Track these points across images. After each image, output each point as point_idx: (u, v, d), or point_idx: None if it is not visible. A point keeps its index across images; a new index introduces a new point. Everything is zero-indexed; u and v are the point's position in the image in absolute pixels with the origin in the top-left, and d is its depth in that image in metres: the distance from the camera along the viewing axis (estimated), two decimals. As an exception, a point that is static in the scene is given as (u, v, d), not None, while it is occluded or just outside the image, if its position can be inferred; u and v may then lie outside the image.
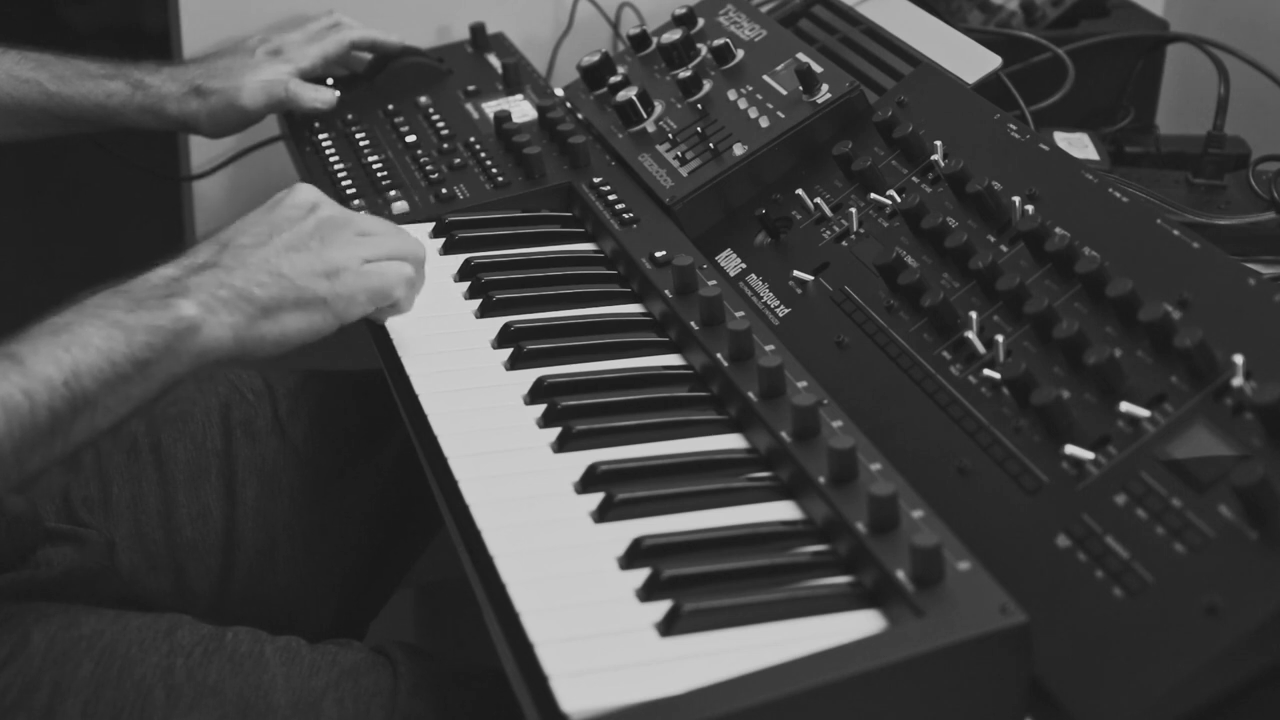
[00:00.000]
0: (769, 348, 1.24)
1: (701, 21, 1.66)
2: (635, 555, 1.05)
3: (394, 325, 1.33)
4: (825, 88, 1.48)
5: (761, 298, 1.35)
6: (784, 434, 1.13)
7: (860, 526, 1.04)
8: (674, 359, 1.30)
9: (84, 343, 1.06)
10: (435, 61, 1.80)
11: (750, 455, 1.17)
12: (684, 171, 1.49)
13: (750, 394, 1.18)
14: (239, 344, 1.14)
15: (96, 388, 1.06)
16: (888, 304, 1.27)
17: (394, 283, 1.23)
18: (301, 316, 1.18)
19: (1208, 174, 1.63)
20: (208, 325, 1.12)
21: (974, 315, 1.20)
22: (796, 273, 1.35)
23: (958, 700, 0.96)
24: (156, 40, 1.98)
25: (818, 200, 1.40)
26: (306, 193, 1.24)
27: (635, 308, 1.38)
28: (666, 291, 1.33)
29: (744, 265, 1.40)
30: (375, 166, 1.61)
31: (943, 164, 1.33)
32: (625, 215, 1.46)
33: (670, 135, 1.54)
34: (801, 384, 1.20)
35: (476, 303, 1.38)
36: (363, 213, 1.29)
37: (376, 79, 1.77)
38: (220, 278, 1.14)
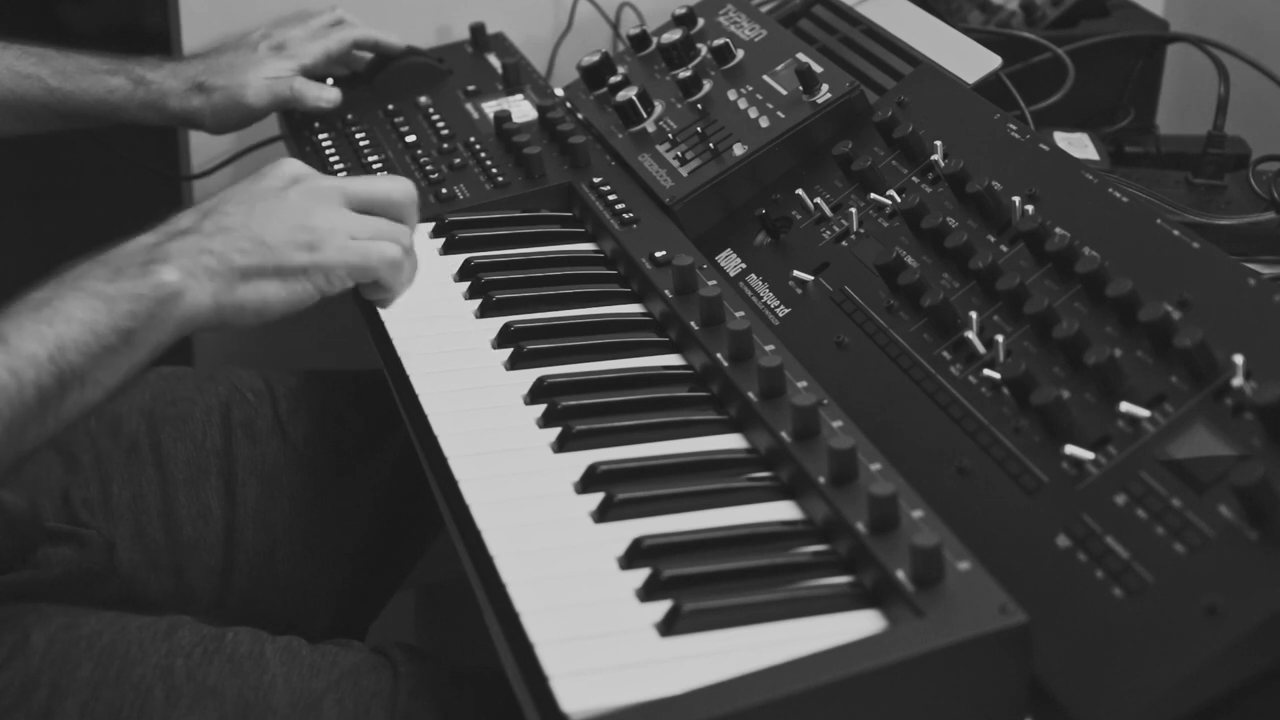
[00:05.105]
0: (769, 348, 1.24)
1: (701, 21, 1.66)
2: (635, 555, 1.05)
3: (394, 326, 1.33)
4: (825, 88, 1.48)
5: (761, 298, 1.35)
6: (784, 434, 1.13)
7: (860, 526, 1.04)
8: (674, 359, 1.30)
9: (66, 316, 1.05)
10: (435, 61, 1.79)
11: (750, 455, 1.17)
12: (684, 171, 1.48)
13: (750, 394, 1.18)
14: (218, 310, 1.12)
15: (82, 360, 1.05)
16: (888, 304, 1.27)
17: (376, 262, 1.20)
18: (281, 286, 1.15)
19: (1208, 174, 1.63)
20: (189, 291, 1.09)
21: (974, 315, 1.20)
22: (796, 273, 1.35)
23: (958, 700, 0.96)
24: (156, 40, 1.98)
25: (818, 200, 1.39)
26: (291, 165, 1.22)
27: (635, 308, 1.38)
28: (666, 291, 1.33)
29: (744, 265, 1.40)
30: (375, 166, 1.61)
31: (943, 164, 1.33)
32: (625, 215, 1.46)
33: (670, 135, 1.53)
34: (801, 384, 1.19)
35: (476, 303, 1.38)
36: (350, 176, 1.26)
37: (376, 79, 1.77)
38: (200, 243, 1.12)
